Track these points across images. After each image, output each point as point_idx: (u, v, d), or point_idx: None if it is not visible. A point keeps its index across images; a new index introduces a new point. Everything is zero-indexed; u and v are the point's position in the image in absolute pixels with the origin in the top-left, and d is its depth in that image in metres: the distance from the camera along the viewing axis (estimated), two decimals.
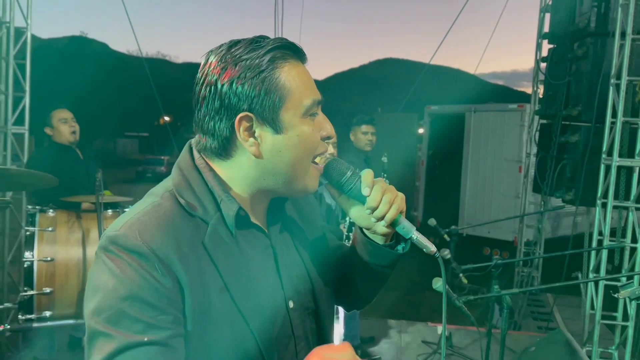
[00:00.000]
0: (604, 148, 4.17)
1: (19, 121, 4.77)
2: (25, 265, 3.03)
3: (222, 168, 1.01)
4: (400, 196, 1.04)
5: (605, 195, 4.16)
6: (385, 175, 4.15)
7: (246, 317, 0.94)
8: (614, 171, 4.07)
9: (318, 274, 1.13)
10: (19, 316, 3.03)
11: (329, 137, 1.04)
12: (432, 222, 3.77)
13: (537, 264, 6.82)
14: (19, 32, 4.75)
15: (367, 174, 1.03)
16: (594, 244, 4.25)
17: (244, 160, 0.99)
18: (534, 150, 6.36)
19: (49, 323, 3.08)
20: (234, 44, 0.98)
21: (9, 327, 3.11)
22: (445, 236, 3.75)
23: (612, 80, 4.09)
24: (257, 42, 0.97)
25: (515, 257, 7.35)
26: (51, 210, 3.18)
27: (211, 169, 1.01)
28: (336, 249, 1.26)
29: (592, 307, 4.20)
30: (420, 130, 11.43)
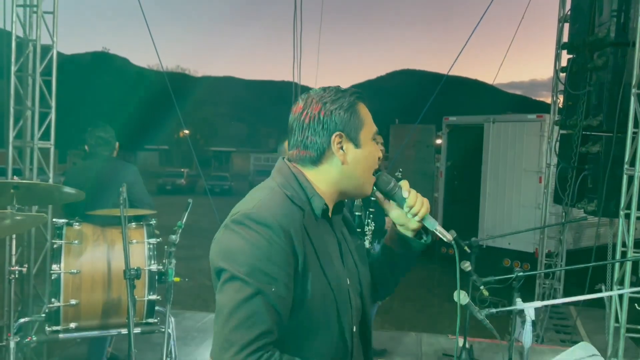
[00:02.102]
0: (626, 158, 4.12)
1: (45, 136, 4.88)
2: (52, 278, 3.09)
3: (312, 173, 1.41)
4: (427, 200, 1.46)
5: (628, 206, 4.10)
6: None
7: (329, 279, 1.32)
8: (637, 181, 4.02)
9: (362, 263, 1.49)
10: (46, 327, 3.09)
11: (380, 159, 1.47)
12: (453, 233, 3.75)
13: (559, 276, 6.72)
14: (45, 50, 4.88)
15: (404, 183, 1.46)
16: (618, 255, 4.18)
17: (331, 166, 1.40)
18: (554, 160, 6.31)
19: (74, 334, 3.14)
20: (324, 89, 1.43)
21: (35, 338, 3.16)
22: (466, 248, 3.73)
23: (634, 90, 4.05)
24: (340, 89, 1.43)
25: (536, 268, 7.25)
26: (77, 224, 3.24)
27: (303, 174, 1.40)
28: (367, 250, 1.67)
29: (617, 320, 4.13)
30: (439, 142, 11.40)
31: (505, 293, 3.07)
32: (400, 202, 1.44)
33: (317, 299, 1.29)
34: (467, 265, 3.20)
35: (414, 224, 1.46)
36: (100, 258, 3.16)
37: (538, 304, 2.16)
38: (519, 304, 2.20)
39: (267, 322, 1.19)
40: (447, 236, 1.42)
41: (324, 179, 1.40)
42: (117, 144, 4.18)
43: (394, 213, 1.49)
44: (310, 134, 1.38)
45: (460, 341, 4.21)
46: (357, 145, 1.40)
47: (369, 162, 1.42)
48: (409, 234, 1.50)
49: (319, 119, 1.37)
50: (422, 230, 1.51)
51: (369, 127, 1.43)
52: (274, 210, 1.28)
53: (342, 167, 1.39)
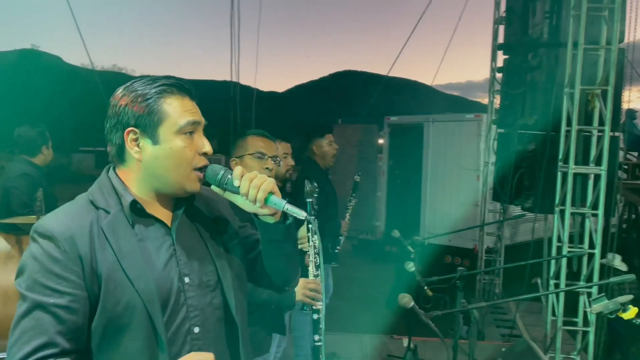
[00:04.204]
0: (560, 156, 4.23)
1: None
2: None
3: (123, 172, 1.34)
4: (269, 180, 1.32)
5: (562, 202, 4.22)
6: (353, 195, 4.02)
7: (133, 281, 1.21)
8: (570, 178, 4.14)
9: (222, 258, 1.39)
10: None
11: (206, 153, 1.34)
12: (396, 233, 3.73)
13: (498, 271, 6.91)
14: None
15: (237, 170, 1.34)
16: (553, 250, 4.30)
17: (134, 164, 1.32)
18: (492, 159, 6.45)
19: None
20: (137, 79, 1.32)
21: None
22: (409, 247, 3.70)
23: (566, 90, 4.17)
24: (154, 79, 1.33)
25: (476, 264, 7.42)
26: None
27: (117, 175, 1.34)
28: (247, 237, 1.52)
29: (554, 314, 4.24)
30: (380, 141, 11.49)
31: (448, 289, 3.06)
32: (237, 192, 1.33)
33: (116, 300, 1.20)
34: (410, 266, 3.18)
35: (264, 210, 1.34)
36: (13, 270, 2.88)
37: (482, 304, 2.14)
38: (464, 305, 2.16)
39: (47, 334, 1.15)
40: (300, 214, 1.29)
41: (133, 178, 1.33)
42: (43, 147, 3.82)
43: (240, 202, 1.36)
44: (109, 129, 1.32)
45: (404, 342, 4.19)
46: (155, 141, 1.29)
47: (174, 158, 1.30)
48: (270, 220, 1.38)
49: (116, 112, 1.30)
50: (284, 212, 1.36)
51: (173, 121, 1.30)
52: (59, 219, 1.24)
53: (142, 165, 1.31)
